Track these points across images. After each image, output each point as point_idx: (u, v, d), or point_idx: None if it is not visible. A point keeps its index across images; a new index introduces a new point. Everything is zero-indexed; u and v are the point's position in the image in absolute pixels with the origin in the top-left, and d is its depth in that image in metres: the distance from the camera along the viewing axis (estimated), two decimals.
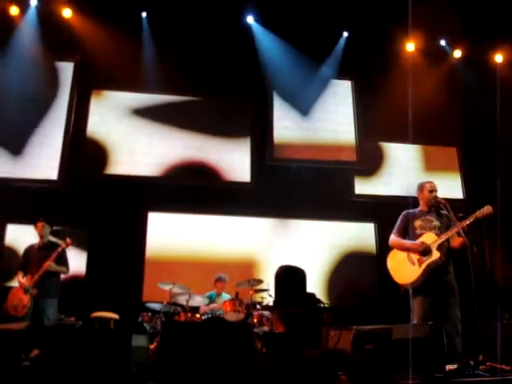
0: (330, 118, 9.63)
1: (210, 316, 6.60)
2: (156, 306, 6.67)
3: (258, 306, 6.73)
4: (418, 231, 5.24)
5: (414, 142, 9.50)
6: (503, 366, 4.49)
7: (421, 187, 5.46)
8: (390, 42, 9.56)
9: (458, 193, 9.43)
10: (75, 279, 7.61)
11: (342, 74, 9.75)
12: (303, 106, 9.56)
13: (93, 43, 8.75)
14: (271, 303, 6.86)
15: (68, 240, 6.44)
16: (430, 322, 4.63)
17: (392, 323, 4.80)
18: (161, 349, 5.10)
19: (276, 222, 8.91)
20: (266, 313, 6.57)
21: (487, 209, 5.02)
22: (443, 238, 5.05)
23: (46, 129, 8.67)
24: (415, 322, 4.99)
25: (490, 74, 9.60)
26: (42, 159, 8.51)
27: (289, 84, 9.38)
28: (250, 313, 6.50)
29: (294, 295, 6.80)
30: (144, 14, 9.15)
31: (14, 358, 4.37)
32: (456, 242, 5.07)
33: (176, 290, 6.68)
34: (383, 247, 8.52)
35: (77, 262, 7.60)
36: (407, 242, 5.22)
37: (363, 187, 9.33)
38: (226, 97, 9.28)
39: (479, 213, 5.01)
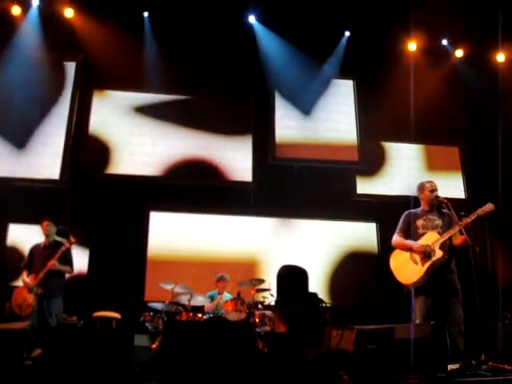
0: (332, 118, 9.62)
1: (211, 315, 6.61)
2: (158, 306, 6.66)
3: (259, 306, 6.72)
4: (421, 231, 5.24)
5: (416, 142, 9.51)
6: (505, 366, 4.49)
7: (421, 187, 5.46)
8: (392, 41, 9.55)
9: (460, 192, 9.41)
10: (77, 278, 7.61)
11: (343, 74, 9.74)
12: (305, 105, 9.55)
13: (95, 43, 8.76)
14: (273, 303, 6.86)
15: (72, 238, 6.48)
16: (432, 322, 4.63)
17: (394, 323, 4.79)
18: (162, 348, 5.10)
19: (278, 222, 8.91)
20: (268, 312, 6.57)
21: (489, 206, 5.02)
22: (445, 236, 5.05)
23: (48, 128, 8.68)
24: (417, 321, 4.98)
25: (492, 73, 9.59)
26: (44, 159, 8.52)
27: (291, 84, 9.38)
28: (251, 312, 6.49)
29: (295, 295, 6.80)
30: (146, 14, 9.16)
31: (17, 358, 4.38)
32: (458, 240, 5.07)
33: (178, 289, 6.67)
34: (385, 247, 8.52)
35: (79, 261, 7.58)
36: (410, 242, 5.22)
37: (365, 187, 9.32)
38: (227, 96, 9.26)
39: (481, 210, 5.02)
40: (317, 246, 8.75)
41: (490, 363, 4.66)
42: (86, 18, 8.86)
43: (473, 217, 4.99)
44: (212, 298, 7.14)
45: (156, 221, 8.54)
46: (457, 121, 9.76)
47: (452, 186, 9.21)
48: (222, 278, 7.31)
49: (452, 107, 9.69)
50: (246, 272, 7.99)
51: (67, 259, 6.50)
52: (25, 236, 7.87)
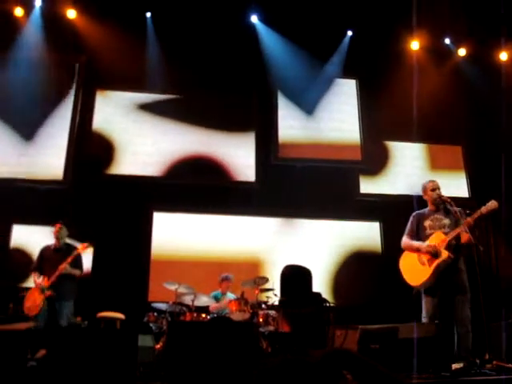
0: (335, 117, 9.61)
1: (215, 315, 6.61)
2: (162, 306, 6.67)
3: (263, 306, 6.72)
4: (428, 231, 5.24)
5: (419, 141, 9.50)
6: (510, 365, 4.49)
7: (424, 188, 5.46)
8: (395, 40, 9.54)
9: (464, 191, 9.39)
10: (81, 279, 7.61)
11: (346, 73, 9.73)
12: (308, 105, 9.54)
13: (97, 43, 8.77)
14: (277, 302, 6.85)
15: (85, 244, 6.52)
16: (436, 321, 4.62)
17: (398, 322, 4.79)
18: (167, 348, 5.11)
19: (281, 222, 8.91)
20: (272, 312, 6.56)
21: (492, 204, 5.00)
22: (450, 237, 5.04)
23: (51, 129, 8.69)
24: (425, 321, 4.98)
25: (495, 72, 9.57)
26: (47, 159, 8.54)
27: (293, 83, 9.37)
28: (255, 312, 6.49)
29: (299, 295, 6.79)
30: (148, 14, 9.17)
31: (21, 358, 4.39)
32: (463, 237, 5.06)
33: (181, 289, 6.68)
34: (388, 246, 8.54)
35: (82, 261, 7.61)
36: (417, 244, 5.21)
37: (368, 186, 9.31)
38: (230, 97, 9.26)
39: (484, 208, 5.01)
40: (320, 245, 8.75)
41: (494, 362, 4.66)
42: (89, 19, 8.87)
43: (476, 215, 4.98)
44: (216, 298, 7.14)
45: (159, 221, 8.54)
46: (460, 120, 9.74)
47: (455, 185, 9.19)
48: (226, 279, 7.31)
49: (455, 106, 9.68)
50: (249, 272, 7.97)
51: (78, 263, 6.55)
52: (28, 237, 7.90)
